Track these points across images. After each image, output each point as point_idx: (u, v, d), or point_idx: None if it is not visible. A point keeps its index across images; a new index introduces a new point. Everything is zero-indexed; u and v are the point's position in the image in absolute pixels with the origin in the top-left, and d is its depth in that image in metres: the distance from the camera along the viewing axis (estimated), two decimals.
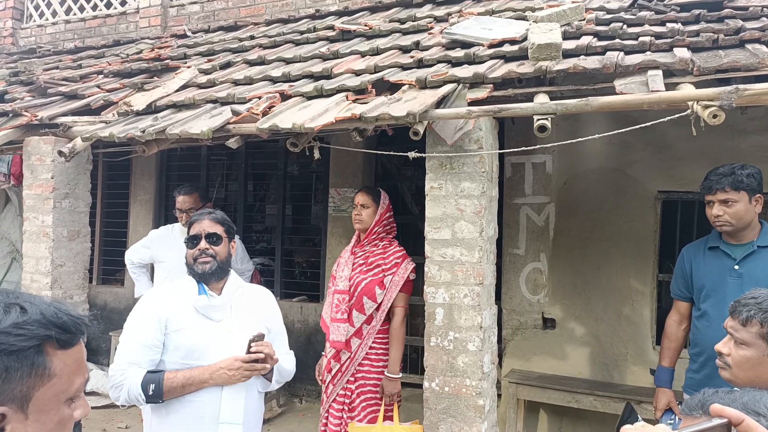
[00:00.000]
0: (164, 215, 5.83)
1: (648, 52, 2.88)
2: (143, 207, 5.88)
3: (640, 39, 3.00)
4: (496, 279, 3.14)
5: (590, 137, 2.51)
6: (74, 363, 0.80)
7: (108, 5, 6.33)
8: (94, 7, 6.39)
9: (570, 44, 3.03)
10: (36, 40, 6.67)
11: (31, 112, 3.82)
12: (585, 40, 3.10)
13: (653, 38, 3.00)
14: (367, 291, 3.06)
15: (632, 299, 3.98)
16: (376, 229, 3.16)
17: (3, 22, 6.83)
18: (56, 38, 6.55)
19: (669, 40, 2.94)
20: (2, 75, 5.28)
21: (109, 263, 6.12)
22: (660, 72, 2.62)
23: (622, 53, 2.89)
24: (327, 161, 5.15)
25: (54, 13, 6.63)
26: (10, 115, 3.93)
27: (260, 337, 2.06)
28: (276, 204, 5.73)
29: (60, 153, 3.35)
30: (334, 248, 5.11)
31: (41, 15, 6.73)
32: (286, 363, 2.31)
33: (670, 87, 2.53)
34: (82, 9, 6.46)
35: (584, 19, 3.45)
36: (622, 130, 2.49)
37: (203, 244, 2.18)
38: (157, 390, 2.00)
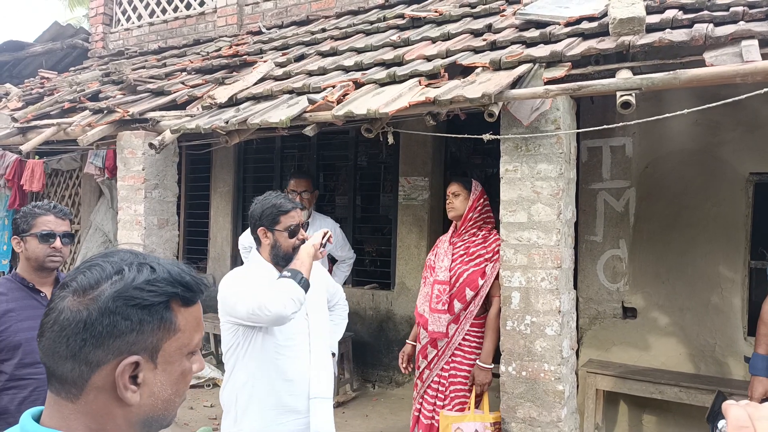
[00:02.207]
0: (242, 206, 6.08)
1: (741, 22, 2.71)
2: (222, 198, 6.17)
3: (732, 9, 2.82)
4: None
5: (678, 113, 2.39)
6: (194, 320, 0.87)
7: (188, 6, 6.66)
8: (175, 9, 6.74)
9: (654, 18, 2.89)
10: (123, 42, 7.13)
11: (123, 109, 4.10)
12: (670, 13, 2.95)
13: (746, 8, 2.81)
14: (470, 282, 3.01)
15: (721, 287, 3.77)
16: (470, 215, 3.10)
17: (95, 28, 7.34)
18: (141, 40, 6.97)
19: (765, 9, 2.75)
20: (95, 76, 5.69)
21: (192, 252, 6.47)
22: (755, 41, 2.46)
23: (711, 25, 2.73)
24: (396, 151, 5.19)
25: (139, 17, 7.05)
26: (105, 111, 4.23)
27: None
28: (346, 195, 5.83)
29: (150, 145, 3.58)
30: (404, 237, 5.16)
31: (128, 19, 7.18)
32: (338, 335, 2.64)
33: (766, 58, 2.37)
34: (164, 11, 6.83)
35: None
36: (713, 105, 2.36)
37: (302, 233, 2.30)
38: (302, 278, 2.09)
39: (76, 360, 0.77)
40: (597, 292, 4.15)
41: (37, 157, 5.59)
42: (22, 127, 4.57)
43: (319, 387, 2.19)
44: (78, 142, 4.02)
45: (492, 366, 2.98)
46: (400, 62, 3.54)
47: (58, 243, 2.17)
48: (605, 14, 3.05)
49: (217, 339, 5.67)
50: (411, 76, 3.18)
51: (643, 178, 4.00)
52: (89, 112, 4.35)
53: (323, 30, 4.99)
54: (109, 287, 0.79)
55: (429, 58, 3.41)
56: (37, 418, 0.81)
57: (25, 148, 4.28)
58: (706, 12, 2.87)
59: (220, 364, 5.49)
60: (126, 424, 0.80)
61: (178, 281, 0.84)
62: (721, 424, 0.72)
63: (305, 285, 2.08)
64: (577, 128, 3.05)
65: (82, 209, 6.72)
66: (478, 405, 2.97)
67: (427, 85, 3.01)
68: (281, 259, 2.24)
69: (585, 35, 3.04)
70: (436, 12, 4.30)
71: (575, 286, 3.48)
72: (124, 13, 7.22)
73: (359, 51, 4.10)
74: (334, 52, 4.23)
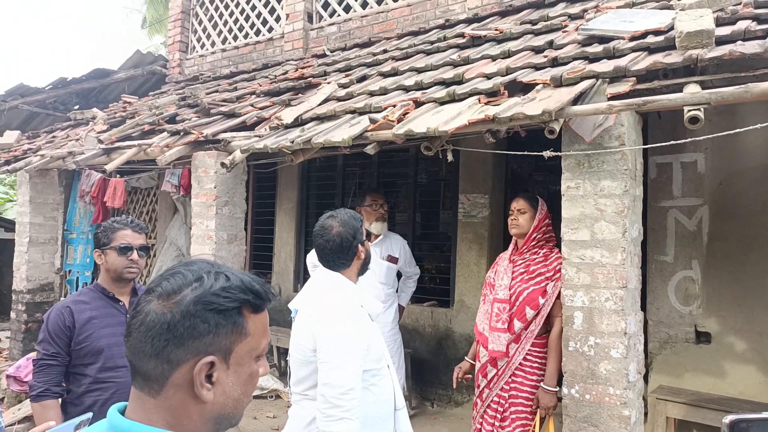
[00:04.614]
0: (305, 222, 6.26)
1: None
2: (287, 215, 6.37)
3: None
4: (641, 288, 2.95)
5: (752, 127, 2.29)
6: (262, 326, 0.94)
7: (257, 33, 7.00)
8: (246, 36, 7.11)
9: (724, 30, 2.79)
10: (198, 68, 7.57)
11: (198, 130, 4.35)
12: (742, 24, 2.84)
13: None
14: (530, 301, 2.95)
15: None
16: (534, 235, 3.05)
17: (172, 55, 7.84)
18: (214, 65, 7.38)
19: None
20: (173, 100, 6.07)
21: (257, 267, 6.70)
22: None
23: None
24: (456, 169, 5.21)
25: (213, 44, 7.48)
26: (181, 133, 4.50)
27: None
28: (406, 212, 5.88)
29: (222, 164, 3.78)
30: (464, 254, 5.14)
31: (202, 46, 7.63)
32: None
33: None
34: (235, 38, 7.22)
35: (740, 3, 3.16)
36: None
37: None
38: None
39: (159, 358, 0.85)
40: (668, 314, 3.97)
41: (119, 176, 6.00)
42: (106, 148, 4.93)
43: (401, 399, 2.24)
44: (156, 161, 4.30)
45: (557, 389, 2.89)
46: (459, 81, 3.57)
47: (135, 255, 2.34)
48: (672, 28, 2.97)
49: (280, 351, 5.83)
50: (470, 94, 3.21)
51: (717, 196, 3.82)
52: (167, 133, 4.65)
53: (384, 51, 5.11)
54: (190, 293, 0.87)
55: (489, 76, 3.43)
56: (122, 412, 0.89)
57: (109, 168, 4.62)
58: None
59: (282, 376, 5.62)
60: (200, 419, 0.87)
61: (249, 289, 0.91)
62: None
63: None
64: (645, 144, 2.97)
65: (158, 225, 7.12)
66: (542, 429, 2.89)
67: (486, 103, 3.03)
68: (366, 268, 2.30)
69: (651, 49, 2.97)
70: (496, 30, 4.31)
71: (643, 308, 3.36)
72: (198, 40, 7.68)
73: (419, 71, 4.17)
74: (394, 73, 4.33)
